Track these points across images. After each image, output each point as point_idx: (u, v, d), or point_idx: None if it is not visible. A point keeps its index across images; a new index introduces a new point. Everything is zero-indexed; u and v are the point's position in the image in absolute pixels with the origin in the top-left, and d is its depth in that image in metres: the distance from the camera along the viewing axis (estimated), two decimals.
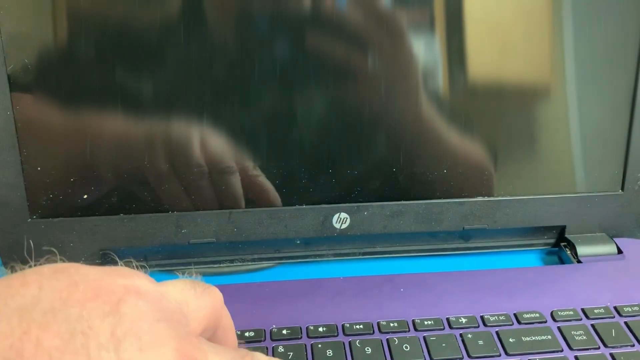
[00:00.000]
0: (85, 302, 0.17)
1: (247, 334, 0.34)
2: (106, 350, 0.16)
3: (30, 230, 0.38)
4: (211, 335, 0.23)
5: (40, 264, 0.19)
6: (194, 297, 0.21)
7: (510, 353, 0.33)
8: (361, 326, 0.34)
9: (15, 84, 0.35)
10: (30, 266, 0.19)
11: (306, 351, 0.33)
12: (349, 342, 0.33)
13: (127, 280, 0.18)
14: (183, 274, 0.24)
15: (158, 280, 0.20)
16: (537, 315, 0.35)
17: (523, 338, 0.34)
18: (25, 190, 0.37)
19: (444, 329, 0.34)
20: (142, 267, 0.22)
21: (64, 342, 0.16)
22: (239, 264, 0.42)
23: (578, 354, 0.33)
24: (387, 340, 0.33)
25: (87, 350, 0.16)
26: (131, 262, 0.22)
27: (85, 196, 0.38)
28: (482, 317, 0.35)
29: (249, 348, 0.22)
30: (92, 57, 0.35)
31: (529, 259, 0.44)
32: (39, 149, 0.37)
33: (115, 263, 0.27)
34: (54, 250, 0.20)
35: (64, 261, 0.19)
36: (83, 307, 0.17)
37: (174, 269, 0.41)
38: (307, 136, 0.39)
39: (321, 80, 0.38)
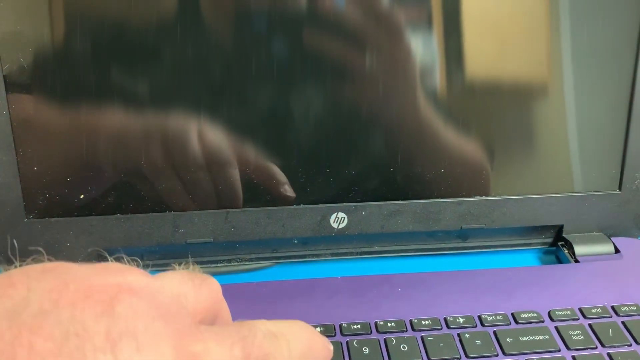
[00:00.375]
0: (76, 302, 0.17)
1: None
2: (102, 352, 0.16)
3: (26, 230, 0.38)
4: None
5: (27, 264, 0.18)
6: (192, 289, 0.20)
7: (508, 353, 0.33)
8: (359, 326, 0.34)
9: (11, 84, 0.35)
10: (15, 266, 0.18)
11: None
12: (347, 342, 0.33)
13: (119, 278, 0.18)
14: (180, 265, 0.24)
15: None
16: (535, 315, 0.35)
17: (520, 338, 0.34)
18: (22, 190, 0.37)
19: (441, 328, 0.34)
20: (134, 260, 0.21)
21: (57, 346, 0.15)
22: (236, 263, 0.42)
23: (575, 353, 0.33)
24: (385, 340, 0.33)
25: (82, 352, 0.16)
26: (122, 257, 0.22)
27: (81, 196, 0.38)
28: (479, 317, 0.35)
29: None
30: (88, 55, 0.35)
31: (526, 259, 0.44)
32: (35, 148, 0.36)
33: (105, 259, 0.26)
34: (41, 250, 0.19)
35: (51, 260, 0.19)
36: (75, 308, 0.16)
37: (171, 268, 0.41)
38: (304, 135, 0.39)
39: (319, 79, 0.38)
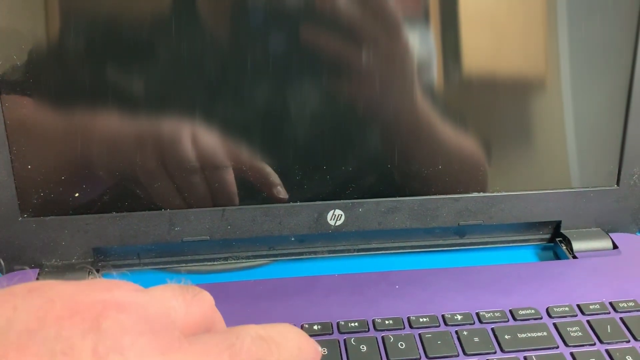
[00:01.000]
0: (62, 320, 0.17)
1: None
2: None
3: (21, 229, 0.37)
4: None
5: (14, 282, 0.18)
6: (183, 303, 0.20)
7: (506, 350, 0.33)
8: (356, 324, 0.34)
9: (4, 82, 0.35)
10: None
11: None
12: (344, 340, 0.33)
13: (106, 294, 0.18)
14: (172, 276, 0.23)
15: (151, 281, 0.20)
16: (533, 311, 0.35)
17: (519, 335, 0.34)
18: (16, 188, 0.37)
19: (439, 326, 0.34)
20: (124, 274, 0.21)
21: None
22: (232, 261, 0.42)
23: (574, 350, 0.33)
24: (382, 337, 0.33)
25: None
26: (110, 272, 0.22)
27: (76, 194, 0.37)
28: (477, 314, 0.35)
29: None
30: (82, 54, 0.35)
31: (524, 255, 0.44)
32: (29, 147, 0.36)
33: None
34: (26, 267, 0.19)
35: (38, 278, 0.19)
36: (61, 325, 0.16)
37: (167, 267, 0.41)
38: (301, 132, 0.38)
39: (315, 75, 0.37)
